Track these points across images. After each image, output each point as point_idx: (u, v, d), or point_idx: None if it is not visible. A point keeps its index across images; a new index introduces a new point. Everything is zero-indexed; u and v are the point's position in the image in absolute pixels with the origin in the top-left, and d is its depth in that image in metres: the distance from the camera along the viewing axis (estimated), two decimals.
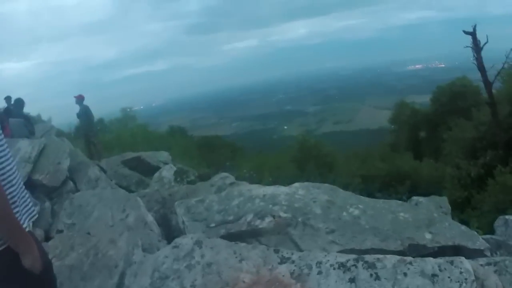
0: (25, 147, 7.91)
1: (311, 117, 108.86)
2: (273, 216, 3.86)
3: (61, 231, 5.09)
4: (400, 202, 4.69)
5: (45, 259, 1.94)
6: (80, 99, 12.97)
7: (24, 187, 2.04)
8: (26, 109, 12.56)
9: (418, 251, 3.62)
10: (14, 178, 1.98)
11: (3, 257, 1.76)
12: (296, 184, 4.55)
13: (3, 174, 1.89)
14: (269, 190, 4.41)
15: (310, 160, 19.12)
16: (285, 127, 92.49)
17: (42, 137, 9.70)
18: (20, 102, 11.96)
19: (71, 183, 7.92)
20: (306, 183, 4.60)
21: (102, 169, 9.47)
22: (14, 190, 1.92)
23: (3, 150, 1.95)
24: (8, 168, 1.94)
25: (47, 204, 7.14)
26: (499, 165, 16.03)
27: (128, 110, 33.49)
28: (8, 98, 12.87)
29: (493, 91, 22.03)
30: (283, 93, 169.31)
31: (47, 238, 5.86)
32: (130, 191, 8.28)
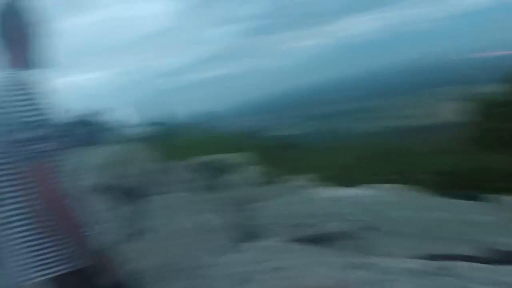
0: (105, 153, 8.30)
1: (379, 113, 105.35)
2: (348, 221, 3.78)
3: (141, 233, 5.27)
4: (483, 203, 4.44)
5: (121, 274, 1.97)
6: (152, 107, 13.47)
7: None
8: (102, 118, 13.18)
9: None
10: (82, 196, 2.01)
11: (83, 274, 1.83)
12: (375, 186, 4.43)
13: (75, 193, 1.92)
14: (337, 192, 4.35)
15: (378, 157, 18.53)
16: (356, 123, 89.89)
17: (120, 144, 10.08)
18: (97, 112, 12.62)
19: (149, 187, 8.16)
20: (373, 185, 4.49)
21: (178, 172, 9.69)
22: (85, 209, 1.95)
23: (67, 165, 1.94)
24: (77, 187, 1.97)
25: (128, 207, 7.41)
26: None
27: (201, 114, 34.01)
28: (81, 110, 13.43)
29: None
30: (351, 90, 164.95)
31: (128, 239, 6.11)
32: (205, 194, 8.45)
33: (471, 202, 4.36)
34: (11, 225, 1.77)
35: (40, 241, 1.74)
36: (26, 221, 1.74)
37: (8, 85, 1.67)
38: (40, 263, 1.76)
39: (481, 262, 3.03)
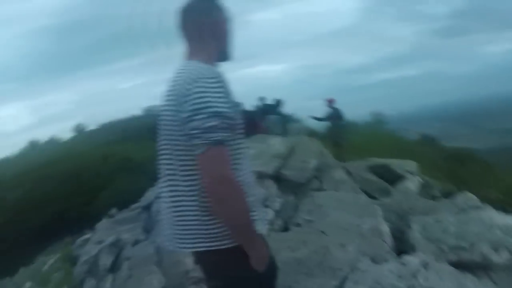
0: (278, 144, 8.56)
1: None
2: (510, 252, 3.49)
3: (298, 225, 5.36)
4: None
5: (271, 261, 2.02)
6: (331, 102, 13.51)
7: (258, 191, 2.11)
8: (282, 108, 13.62)
9: None
10: (252, 183, 2.06)
11: (234, 254, 1.91)
12: None
13: (246, 180, 1.98)
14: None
15: None
16: None
17: (294, 136, 10.31)
18: (278, 102, 13.07)
19: (316, 182, 8.25)
20: None
21: (348, 171, 9.65)
22: (253, 195, 2.01)
23: (243, 153, 2.00)
24: (249, 174, 2.03)
25: (291, 198, 7.59)
26: None
27: (378, 114, 33.51)
28: (262, 99, 13.93)
29: None
30: None
31: (285, 229, 6.26)
32: (372, 198, 8.29)
33: None
34: (175, 198, 1.94)
35: (199, 216, 1.88)
36: (191, 198, 1.88)
37: (195, 75, 1.81)
38: (193, 236, 1.90)
39: None
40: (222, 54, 2.12)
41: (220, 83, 1.82)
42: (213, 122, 1.75)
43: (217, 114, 1.75)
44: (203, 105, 1.76)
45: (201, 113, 1.76)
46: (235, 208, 1.79)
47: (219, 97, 1.78)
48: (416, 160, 12.03)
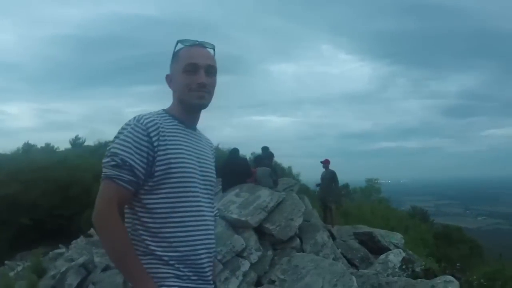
0: (265, 196, 8.44)
1: None
2: None
3: (272, 282, 5.23)
4: None
5: None
6: (326, 163, 13.42)
7: (212, 237, 2.08)
8: (279, 161, 13.57)
9: None
10: (199, 222, 2.03)
11: None
12: None
13: (179, 233, 1.96)
14: None
15: None
16: None
17: (284, 191, 10.21)
18: (269, 153, 13.00)
19: (298, 241, 8.12)
20: None
21: (332, 235, 9.51)
22: (183, 251, 1.96)
23: (183, 203, 1.99)
24: (188, 228, 1.99)
25: (270, 252, 7.45)
26: None
27: (374, 181, 33.47)
28: (265, 148, 13.90)
29: None
30: None
31: (258, 283, 6.09)
32: (352, 265, 8.13)
33: None
34: None
35: None
36: None
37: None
38: None
39: None
40: (184, 104, 2.11)
41: (133, 131, 1.90)
42: (108, 160, 1.87)
43: (113, 155, 1.86)
44: (110, 146, 1.91)
45: (106, 152, 1.90)
46: (107, 245, 1.84)
47: (123, 142, 1.88)
48: (404, 233, 11.92)
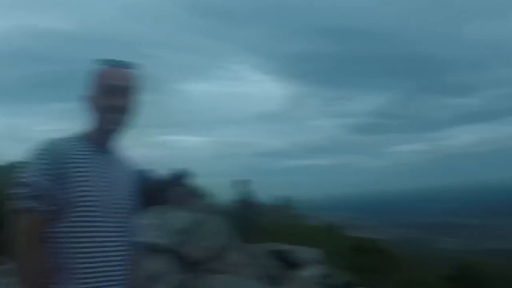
0: (181, 218, 8.26)
1: (474, 231, 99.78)
2: None
3: None
4: None
5: None
6: (243, 183, 13.40)
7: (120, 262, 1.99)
8: (193, 181, 13.30)
9: None
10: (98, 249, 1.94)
11: None
12: None
13: (80, 263, 1.89)
14: None
15: (466, 280, 17.18)
16: (445, 238, 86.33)
17: (199, 211, 10.03)
18: (183, 173, 12.77)
19: (216, 262, 7.99)
20: None
21: (250, 254, 9.45)
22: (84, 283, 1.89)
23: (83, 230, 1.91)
24: (91, 258, 1.91)
25: (187, 276, 7.27)
26: None
27: (288, 199, 33.97)
28: (179, 169, 13.61)
29: None
30: (445, 202, 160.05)
31: None
32: (272, 283, 8.08)
33: None
34: None
35: None
36: None
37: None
38: None
39: None
40: (100, 126, 2.03)
41: (41, 158, 1.85)
42: (18, 190, 1.81)
43: (24, 185, 1.81)
44: (19, 174, 1.86)
45: (16, 181, 1.85)
46: (26, 280, 1.78)
47: (32, 170, 1.83)
48: (321, 248, 12.07)
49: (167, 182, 12.45)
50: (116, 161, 2.11)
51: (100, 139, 2.03)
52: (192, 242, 7.87)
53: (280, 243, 11.55)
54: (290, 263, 9.50)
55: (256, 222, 14.58)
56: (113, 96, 1.99)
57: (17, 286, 1.81)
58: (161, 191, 10.04)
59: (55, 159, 1.85)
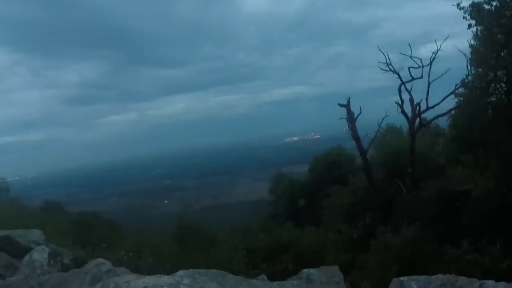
0: None
1: (190, 192, 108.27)
2: None
3: None
4: (295, 282, 4.40)
5: None
6: None
7: None
8: None
9: None
10: None
11: None
12: (180, 272, 4.07)
13: None
14: (150, 281, 3.89)
15: (190, 236, 18.49)
16: (165, 202, 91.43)
17: None
18: None
19: None
20: (191, 271, 4.14)
21: None
22: None
23: None
24: None
25: None
26: (380, 226, 16.99)
27: (1, 180, 30.81)
28: None
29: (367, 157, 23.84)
30: (161, 168, 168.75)
31: None
32: None
33: (289, 283, 4.36)
34: None
35: None
36: None
37: None
38: None
39: None
40: None
41: None
42: None
43: None
44: None
45: None
46: None
47: None
48: (42, 228, 11.38)
49: None
50: None
51: None
52: None
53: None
54: (13, 250, 8.70)
55: None
56: None
57: None
58: None
59: None
